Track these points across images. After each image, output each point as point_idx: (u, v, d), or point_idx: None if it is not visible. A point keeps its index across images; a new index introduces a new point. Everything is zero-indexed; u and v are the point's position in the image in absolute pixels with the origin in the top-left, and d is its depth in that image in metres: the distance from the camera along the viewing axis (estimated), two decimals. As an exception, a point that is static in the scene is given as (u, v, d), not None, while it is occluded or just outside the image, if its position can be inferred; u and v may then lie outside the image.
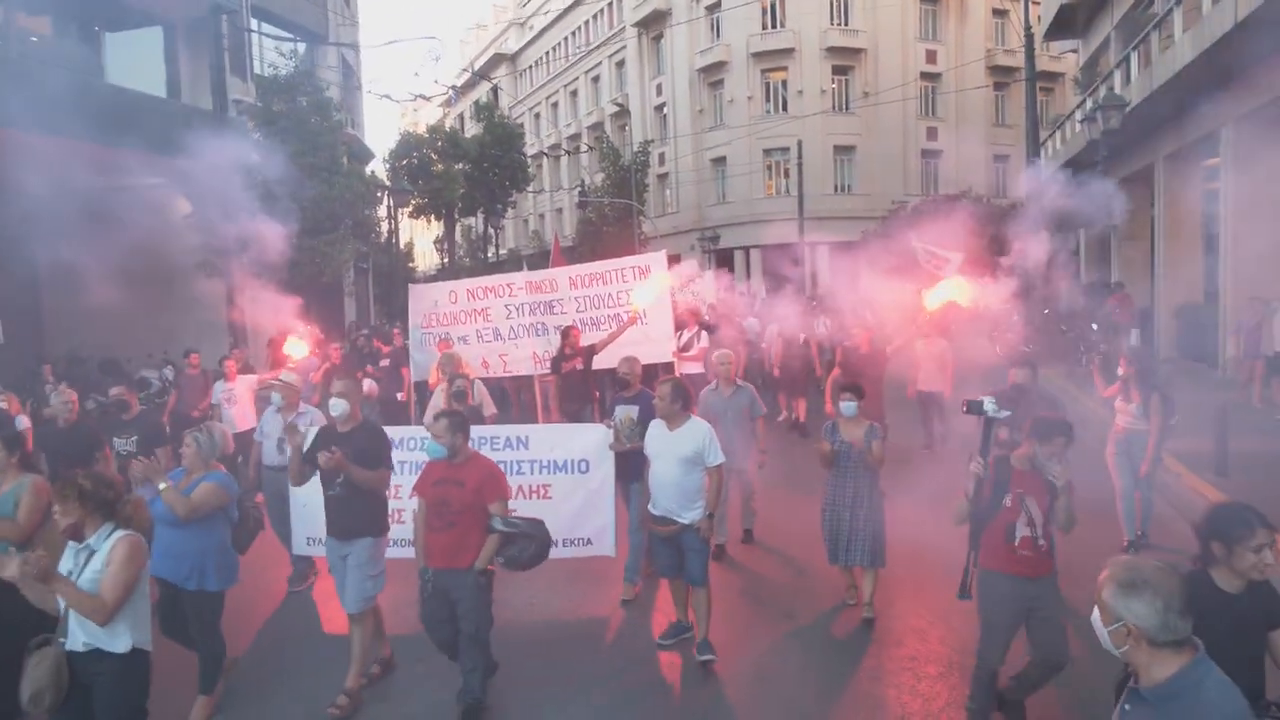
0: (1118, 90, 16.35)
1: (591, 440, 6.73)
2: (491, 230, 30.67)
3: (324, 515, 5.41)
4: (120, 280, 15.43)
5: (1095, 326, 15.50)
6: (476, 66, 50.50)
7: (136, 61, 16.55)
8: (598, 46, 46.49)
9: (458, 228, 28.28)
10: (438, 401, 7.80)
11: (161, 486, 4.72)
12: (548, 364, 10.16)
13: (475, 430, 6.15)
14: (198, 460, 5.03)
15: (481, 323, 10.73)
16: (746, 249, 37.01)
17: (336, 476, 5.08)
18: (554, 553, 5.84)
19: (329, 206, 14.71)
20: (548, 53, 52.16)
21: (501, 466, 5.89)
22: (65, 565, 3.77)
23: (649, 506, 5.66)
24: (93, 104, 13.67)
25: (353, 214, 15.93)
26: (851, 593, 6.30)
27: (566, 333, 9.49)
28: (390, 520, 6.01)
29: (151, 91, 15.98)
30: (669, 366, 10.75)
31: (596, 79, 47.33)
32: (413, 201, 22.81)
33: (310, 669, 5.66)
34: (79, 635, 3.73)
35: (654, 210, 39.92)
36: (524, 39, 54.75)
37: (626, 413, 6.58)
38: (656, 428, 5.65)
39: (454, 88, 28.97)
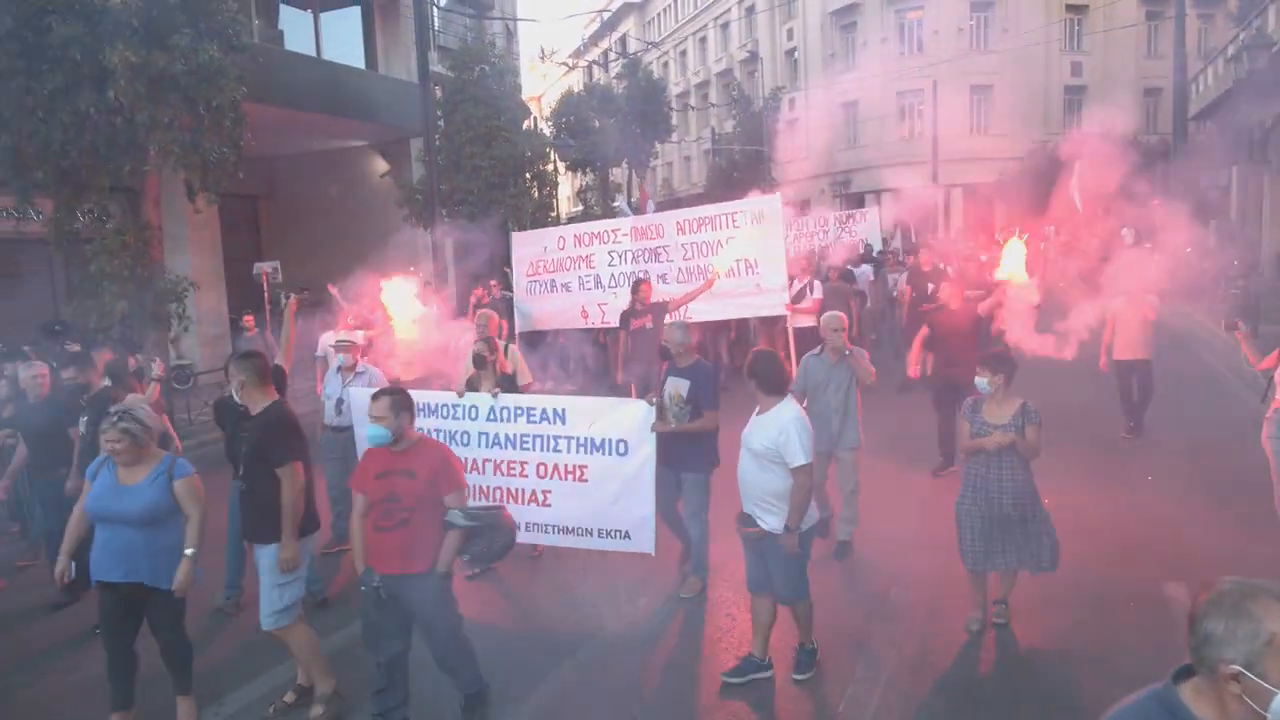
0: (1272, 27, 16.18)
1: (633, 417, 5.67)
2: (637, 177, 32.46)
3: None
4: (329, 229, 18.45)
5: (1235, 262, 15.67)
6: (605, 17, 51.84)
7: (341, 38, 19.05)
8: (727, -8, 46.89)
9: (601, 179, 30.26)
10: (469, 364, 6.84)
11: (188, 551, 4.23)
12: None
13: (510, 399, 5.98)
14: (134, 450, 4.21)
15: (584, 269, 10.16)
16: (878, 193, 37.25)
17: (237, 470, 4.61)
18: (589, 544, 5.46)
19: (514, 163, 16.83)
20: (676, 0, 52.79)
21: (537, 442, 5.65)
22: None
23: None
24: (320, 80, 16.27)
25: (531, 169, 18.04)
26: (977, 615, 5.03)
27: (637, 286, 8.80)
28: None
29: (354, 64, 18.47)
30: (775, 321, 10.30)
31: (725, 26, 47.72)
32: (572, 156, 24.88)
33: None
34: None
35: (783, 155, 40.55)
36: (653, -13, 55.48)
37: (675, 387, 5.60)
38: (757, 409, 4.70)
39: (623, 55, 30.35)
